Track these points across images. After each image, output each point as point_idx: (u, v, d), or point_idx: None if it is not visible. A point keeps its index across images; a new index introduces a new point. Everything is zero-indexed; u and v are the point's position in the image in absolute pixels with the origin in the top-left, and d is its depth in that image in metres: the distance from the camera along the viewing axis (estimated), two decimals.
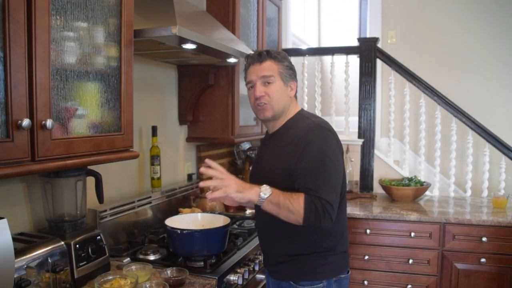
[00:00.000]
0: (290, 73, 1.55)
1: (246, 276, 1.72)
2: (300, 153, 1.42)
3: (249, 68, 1.56)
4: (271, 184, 1.39)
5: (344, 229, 1.59)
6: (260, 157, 1.68)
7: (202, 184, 1.48)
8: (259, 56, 1.52)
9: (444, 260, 2.57)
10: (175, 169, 2.46)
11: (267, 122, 1.60)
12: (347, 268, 1.59)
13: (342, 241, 1.56)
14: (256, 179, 1.53)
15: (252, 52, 1.63)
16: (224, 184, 1.33)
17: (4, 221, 1.02)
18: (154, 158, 2.14)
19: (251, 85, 1.54)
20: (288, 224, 1.40)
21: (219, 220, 1.80)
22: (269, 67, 1.51)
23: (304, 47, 4.46)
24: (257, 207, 1.48)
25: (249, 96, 1.57)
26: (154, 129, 2.14)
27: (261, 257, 1.93)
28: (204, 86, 2.39)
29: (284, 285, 1.53)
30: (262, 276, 1.96)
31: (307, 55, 3.57)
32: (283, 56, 1.55)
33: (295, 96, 1.61)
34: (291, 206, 1.34)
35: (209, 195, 1.35)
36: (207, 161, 1.41)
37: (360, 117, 3.27)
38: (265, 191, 1.35)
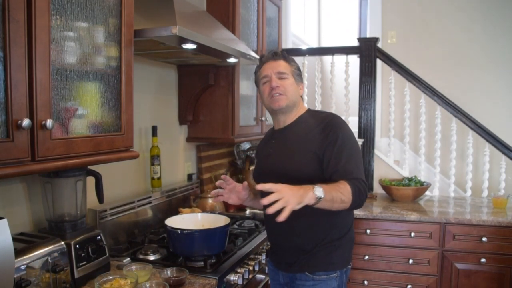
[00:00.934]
0: (299, 75, 1.67)
1: (246, 276, 1.72)
2: (324, 140, 1.51)
3: (263, 65, 1.65)
4: (299, 173, 1.50)
5: (352, 217, 1.69)
6: (269, 151, 1.69)
7: (214, 192, 1.63)
8: (275, 55, 1.64)
9: (444, 260, 2.57)
10: (175, 169, 2.46)
11: (279, 114, 1.65)
12: (352, 259, 1.69)
13: (352, 232, 1.66)
14: (273, 173, 1.59)
15: (254, 54, 1.75)
16: (285, 201, 1.24)
17: (4, 221, 1.02)
18: (154, 158, 2.14)
19: (266, 79, 1.62)
20: (307, 219, 1.50)
21: (219, 220, 1.80)
22: (283, 65, 1.62)
23: (304, 47, 4.46)
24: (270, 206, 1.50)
25: (263, 91, 1.63)
26: (154, 129, 2.14)
27: (261, 257, 1.93)
28: (204, 86, 2.39)
29: (300, 276, 1.58)
30: (262, 276, 1.96)
31: (307, 55, 3.57)
32: (293, 60, 1.68)
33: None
34: (343, 197, 1.39)
35: (269, 210, 1.25)
36: (225, 177, 1.57)
37: (360, 117, 3.27)
38: (318, 192, 1.33)
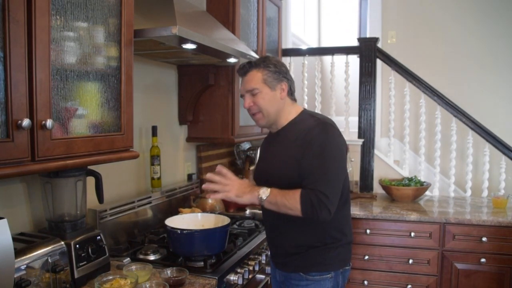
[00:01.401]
0: (277, 76, 1.56)
1: (246, 276, 1.72)
2: (305, 148, 1.48)
3: (240, 81, 1.65)
4: (280, 177, 1.53)
5: (350, 221, 1.68)
6: (265, 153, 1.72)
7: (204, 186, 1.53)
8: (242, 69, 1.60)
9: (444, 260, 2.57)
10: (175, 169, 2.46)
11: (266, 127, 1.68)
12: (350, 260, 1.66)
13: (349, 233, 1.64)
14: (263, 174, 1.63)
15: (254, 54, 1.79)
16: (226, 190, 1.48)
17: (4, 221, 1.02)
18: (154, 158, 2.14)
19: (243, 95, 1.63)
20: (298, 217, 1.47)
21: (219, 220, 1.80)
22: (252, 78, 1.56)
23: (304, 47, 4.46)
24: (265, 208, 1.57)
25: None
26: (154, 129, 2.14)
27: (261, 257, 1.93)
28: (204, 86, 2.39)
29: (294, 276, 1.58)
30: (262, 276, 1.96)
31: (307, 55, 3.57)
32: (268, 61, 1.57)
33: (294, 97, 1.64)
34: (288, 204, 1.44)
35: (209, 195, 1.52)
36: (219, 168, 1.53)
37: (360, 117, 3.27)
38: (263, 193, 1.46)
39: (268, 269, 1.96)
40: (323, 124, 1.51)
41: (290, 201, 1.43)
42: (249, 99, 1.58)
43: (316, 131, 1.49)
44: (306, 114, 1.61)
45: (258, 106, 1.56)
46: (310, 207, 1.40)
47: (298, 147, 1.50)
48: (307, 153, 1.47)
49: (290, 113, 1.61)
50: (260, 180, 1.62)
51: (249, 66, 1.58)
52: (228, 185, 1.49)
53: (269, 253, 1.82)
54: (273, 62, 1.57)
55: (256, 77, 1.55)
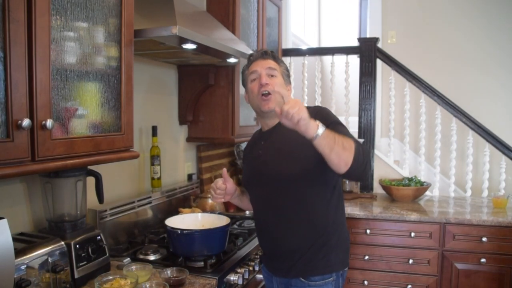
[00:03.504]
0: (288, 76, 1.65)
1: (246, 276, 1.72)
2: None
3: (252, 63, 1.61)
4: (292, 170, 1.47)
5: (345, 220, 1.66)
6: (258, 152, 1.63)
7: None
8: (264, 54, 1.60)
9: (444, 260, 2.57)
10: (175, 169, 2.46)
11: (267, 116, 1.59)
12: (348, 261, 1.66)
13: (346, 232, 1.63)
14: (261, 175, 1.58)
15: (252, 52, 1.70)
16: (299, 109, 1.22)
17: (4, 221, 1.02)
18: (154, 158, 2.14)
19: (255, 76, 1.57)
20: (302, 215, 1.48)
21: (219, 220, 1.80)
22: (272, 64, 1.58)
23: (304, 47, 4.46)
24: (263, 204, 1.58)
25: (252, 89, 1.58)
26: (154, 129, 2.14)
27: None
28: (204, 86, 2.39)
29: (295, 282, 1.54)
30: (262, 276, 1.96)
31: (307, 55, 3.57)
32: (282, 61, 1.65)
33: None
34: (345, 142, 1.29)
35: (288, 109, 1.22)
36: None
37: (360, 117, 3.27)
38: (321, 125, 1.26)
39: None
40: (324, 108, 1.57)
41: (347, 140, 1.30)
42: (267, 77, 1.54)
43: (322, 113, 1.51)
44: None
45: (273, 86, 1.52)
46: (363, 153, 1.32)
47: None
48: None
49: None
50: (261, 182, 1.58)
51: (271, 54, 1.61)
52: (298, 104, 1.23)
53: (263, 265, 1.73)
54: (286, 65, 1.66)
55: (276, 66, 1.59)
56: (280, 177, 1.51)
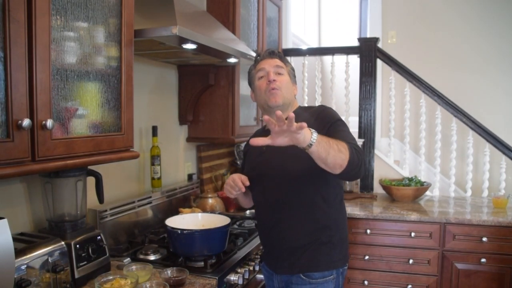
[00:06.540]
0: (294, 76, 1.70)
1: (246, 276, 1.72)
2: (324, 122, 1.51)
3: (259, 62, 1.65)
4: (299, 167, 1.49)
5: (346, 216, 1.68)
6: (262, 149, 1.60)
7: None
8: (272, 53, 1.65)
9: (444, 260, 2.57)
10: (175, 169, 2.46)
11: (274, 113, 1.57)
12: (348, 259, 1.68)
13: (345, 229, 1.65)
14: (265, 171, 1.60)
15: (254, 54, 1.77)
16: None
17: (5, 221, 1.02)
18: (155, 158, 2.14)
19: (263, 74, 1.61)
20: (306, 212, 1.51)
21: (219, 220, 1.80)
22: (280, 63, 1.63)
23: (304, 47, 4.46)
24: (266, 200, 1.59)
25: (260, 85, 1.62)
26: (154, 129, 2.14)
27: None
28: (204, 86, 2.39)
29: (295, 280, 1.55)
30: (263, 276, 1.96)
31: (307, 55, 3.57)
32: (288, 61, 1.70)
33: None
34: (340, 145, 1.31)
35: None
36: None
37: (360, 117, 3.27)
38: (313, 131, 1.26)
39: None
40: (328, 107, 1.62)
41: (340, 143, 1.32)
42: (274, 74, 1.59)
43: (327, 112, 1.57)
44: (303, 107, 1.72)
45: (281, 84, 1.58)
46: (356, 153, 1.35)
47: (315, 126, 1.43)
48: (326, 126, 1.48)
49: (292, 109, 1.63)
50: (265, 178, 1.59)
51: (278, 54, 1.65)
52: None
53: (264, 263, 1.73)
54: (292, 65, 1.71)
55: (283, 65, 1.64)
56: (284, 174, 1.52)
